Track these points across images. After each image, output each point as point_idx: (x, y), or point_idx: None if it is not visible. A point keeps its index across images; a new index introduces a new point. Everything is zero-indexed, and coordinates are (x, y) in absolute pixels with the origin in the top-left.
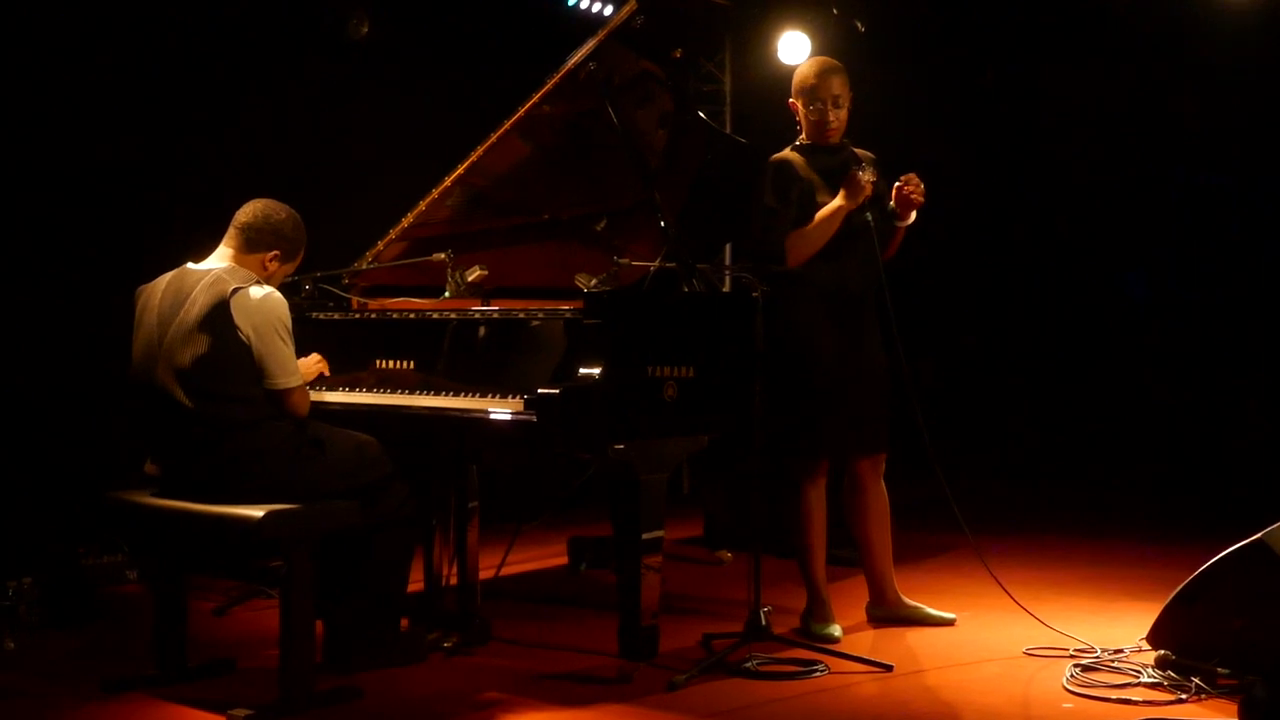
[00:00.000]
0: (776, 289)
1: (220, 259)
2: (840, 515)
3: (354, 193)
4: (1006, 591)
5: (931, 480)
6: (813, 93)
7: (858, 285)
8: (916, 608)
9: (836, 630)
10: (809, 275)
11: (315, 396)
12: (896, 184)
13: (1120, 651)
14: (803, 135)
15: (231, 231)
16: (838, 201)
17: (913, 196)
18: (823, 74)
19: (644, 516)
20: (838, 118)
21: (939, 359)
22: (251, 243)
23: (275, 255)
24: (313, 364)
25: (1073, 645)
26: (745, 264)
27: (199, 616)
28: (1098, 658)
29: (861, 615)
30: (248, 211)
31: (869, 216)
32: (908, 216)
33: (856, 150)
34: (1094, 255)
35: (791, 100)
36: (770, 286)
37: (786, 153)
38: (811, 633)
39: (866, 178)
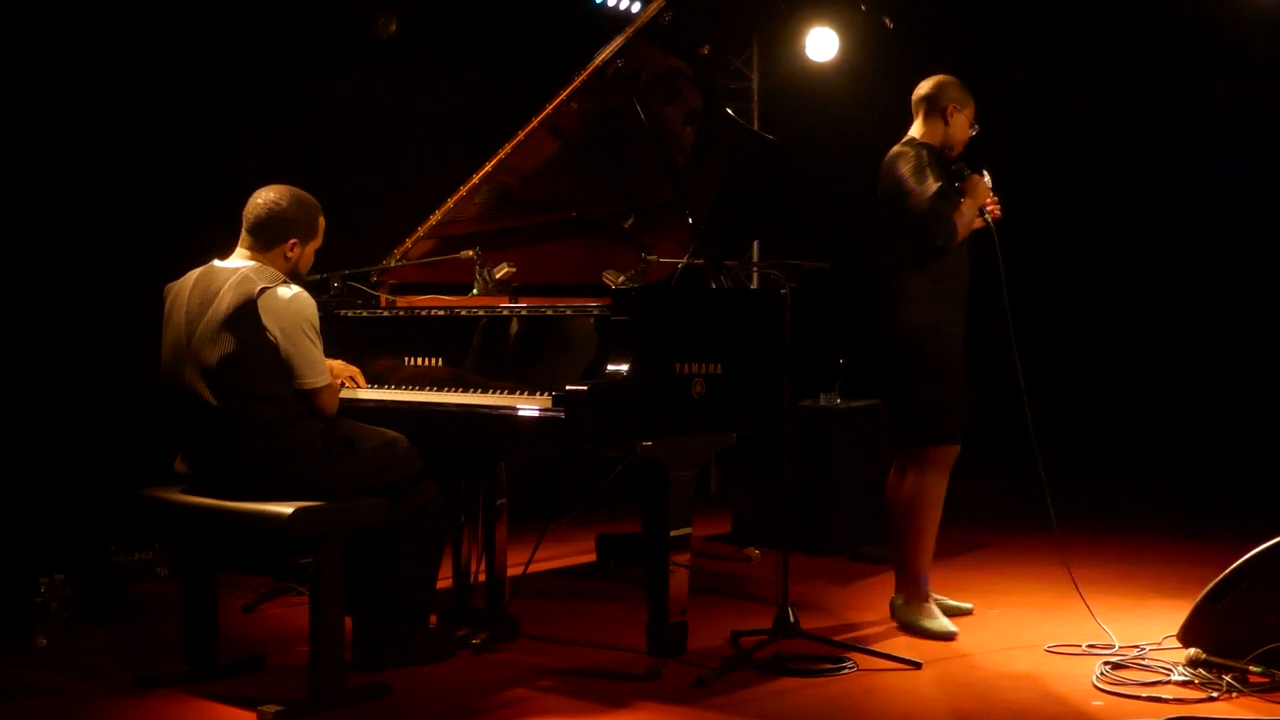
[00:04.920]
0: (911, 281)
1: (243, 258)
2: (868, 510)
3: (382, 190)
4: (1079, 591)
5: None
6: (972, 109)
7: (969, 281)
8: (940, 600)
9: (951, 625)
10: (945, 268)
11: (347, 394)
12: None
13: (1139, 648)
14: (927, 136)
15: (244, 234)
16: (973, 199)
17: (991, 212)
18: (971, 95)
19: (672, 513)
20: None
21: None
22: (267, 241)
23: (294, 243)
24: (342, 371)
25: (1089, 642)
26: (776, 260)
27: (229, 614)
28: (1115, 650)
29: (882, 613)
30: (253, 210)
31: (988, 218)
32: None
33: None
34: (1125, 252)
35: (949, 106)
36: (906, 278)
37: (921, 148)
38: (921, 628)
39: (988, 182)
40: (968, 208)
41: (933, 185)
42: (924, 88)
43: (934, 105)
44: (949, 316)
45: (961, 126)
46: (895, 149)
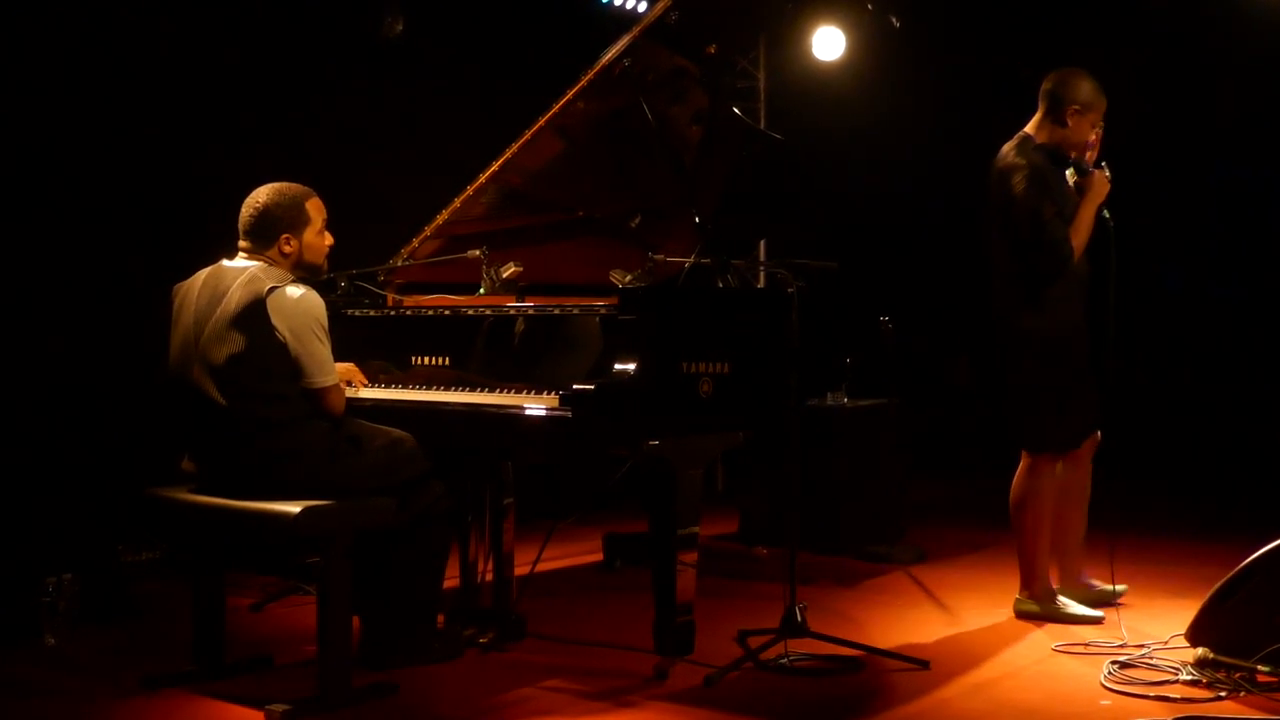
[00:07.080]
0: (1048, 284)
1: (247, 259)
2: (875, 509)
3: (389, 190)
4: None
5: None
6: (1099, 111)
7: (1088, 277)
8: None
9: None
10: (1074, 270)
11: (350, 394)
12: None
13: (1144, 647)
14: (1041, 133)
15: (241, 240)
16: (1093, 199)
17: None
18: (1103, 95)
19: (680, 512)
20: None
21: (972, 355)
22: (261, 242)
23: (286, 236)
24: (342, 373)
25: (1096, 641)
26: (783, 259)
27: (236, 613)
28: (1123, 649)
29: (890, 612)
30: (241, 216)
31: (1106, 213)
32: None
33: None
34: (1129, 250)
35: (1070, 108)
36: (1042, 282)
37: (1034, 156)
38: (1063, 615)
39: (1108, 176)
40: (1087, 209)
41: (1048, 210)
42: (1050, 80)
43: (1055, 103)
44: (1073, 317)
45: (1082, 130)
46: (1010, 154)
